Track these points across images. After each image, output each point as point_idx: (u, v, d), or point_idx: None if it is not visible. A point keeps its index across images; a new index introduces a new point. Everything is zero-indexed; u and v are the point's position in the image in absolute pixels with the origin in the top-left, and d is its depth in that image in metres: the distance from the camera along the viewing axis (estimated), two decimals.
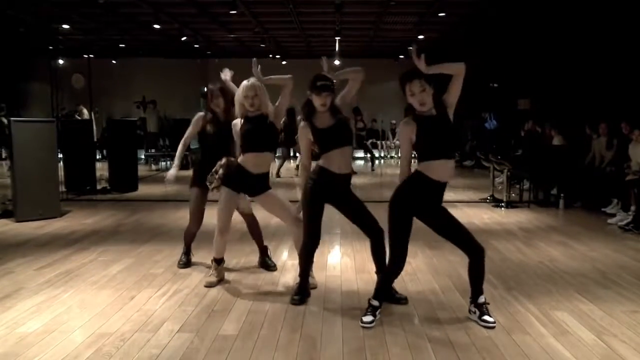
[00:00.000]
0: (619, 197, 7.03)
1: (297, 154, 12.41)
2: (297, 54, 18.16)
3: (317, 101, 3.71)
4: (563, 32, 10.51)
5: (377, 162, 14.67)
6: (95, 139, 12.56)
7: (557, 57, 10.84)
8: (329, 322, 3.52)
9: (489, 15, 11.59)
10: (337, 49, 15.64)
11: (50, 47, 16.63)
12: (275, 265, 4.73)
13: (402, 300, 3.86)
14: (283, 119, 8.42)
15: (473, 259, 3.48)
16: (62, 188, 8.23)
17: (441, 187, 3.42)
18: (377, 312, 3.51)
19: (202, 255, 4.93)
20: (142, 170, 11.88)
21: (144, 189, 9.69)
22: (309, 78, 3.74)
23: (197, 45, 16.51)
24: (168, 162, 13.38)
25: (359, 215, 3.89)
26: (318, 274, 4.39)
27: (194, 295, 4.04)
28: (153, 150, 14.65)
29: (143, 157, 14.44)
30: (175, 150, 4.70)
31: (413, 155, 3.51)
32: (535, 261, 5.02)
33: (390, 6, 11.21)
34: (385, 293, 3.67)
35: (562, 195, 7.88)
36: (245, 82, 4.00)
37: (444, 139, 3.38)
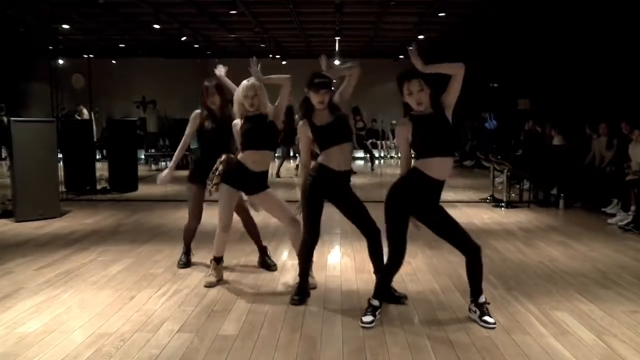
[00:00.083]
0: (619, 197, 7.03)
1: (297, 155, 12.41)
2: (297, 54, 18.14)
3: (315, 99, 3.71)
4: (563, 32, 10.50)
5: (376, 162, 14.65)
6: (95, 139, 12.57)
7: (557, 57, 10.84)
8: (329, 322, 3.52)
9: (489, 15, 11.58)
10: (337, 49, 15.63)
11: (50, 47, 16.63)
12: (275, 265, 4.73)
13: (401, 298, 3.85)
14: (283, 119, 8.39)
15: (469, 258, 3.48)
16: (62, 188, 8.23)
17: (438, 184, 3.41)
18: (377, 312, 3.51)
19: (202, 255, 4.93)
20: (142, 170, 11.87)
21: (143, 189, 9.69)
22: None
23: (197, 45, 16.50)
24: (168, 162, 13.32)
25: (357, 214, 3.89)
26: (318, 274, 4.39)
27: (194, 295, 4.04)
28: (153, 150, 14.65)
29: (143, 157, 14.43)
30: (175, 150, 4.66)
31: (413, 154, 3.51)
32: (535, 261, 5.02)
33: (390, 6, 11.19)
34: (385, 292, 3.66)
35: (562, 195, 7.87)
36: (245, 82, 4.01)
37: (440, 136, 3.37)
